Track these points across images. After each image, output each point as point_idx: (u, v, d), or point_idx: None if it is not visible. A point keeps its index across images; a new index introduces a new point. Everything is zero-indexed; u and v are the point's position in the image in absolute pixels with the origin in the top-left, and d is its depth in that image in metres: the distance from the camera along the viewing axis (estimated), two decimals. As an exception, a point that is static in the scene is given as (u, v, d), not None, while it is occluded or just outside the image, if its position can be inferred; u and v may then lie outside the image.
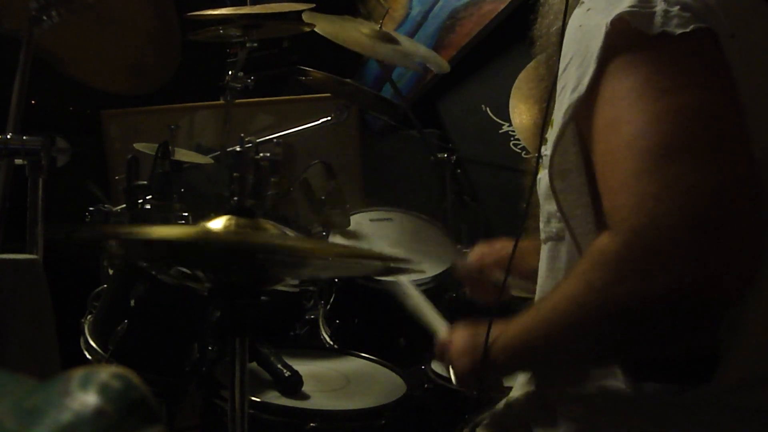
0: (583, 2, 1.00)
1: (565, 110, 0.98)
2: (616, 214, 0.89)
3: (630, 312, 0.88)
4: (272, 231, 1.07)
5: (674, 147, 0.87)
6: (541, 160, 1.08)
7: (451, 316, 2.05)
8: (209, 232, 1.02)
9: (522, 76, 2.13)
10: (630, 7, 0.93)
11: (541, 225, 1.10)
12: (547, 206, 1.08)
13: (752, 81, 0.94)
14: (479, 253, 1.44)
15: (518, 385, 1.20)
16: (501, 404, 1.20)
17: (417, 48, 2.56)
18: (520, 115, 2.11)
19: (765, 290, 0.95)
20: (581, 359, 1.01)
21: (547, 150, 1.04)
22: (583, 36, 0.97)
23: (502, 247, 1.39)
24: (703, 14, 0.92)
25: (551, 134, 1.03)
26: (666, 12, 0.91)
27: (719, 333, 0.94)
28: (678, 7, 0.92)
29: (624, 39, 0.93)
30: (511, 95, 2.14)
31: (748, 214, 0.86)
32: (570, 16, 1.02)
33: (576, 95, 0.96)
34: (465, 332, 1.14)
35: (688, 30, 0.90)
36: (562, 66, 1.00)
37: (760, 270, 0.89)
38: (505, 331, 1.04)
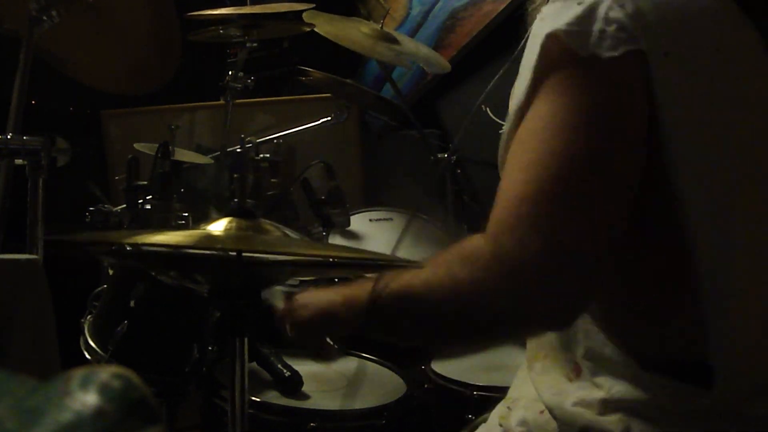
0: (542, 11, 1.02)
1: (511, 116, 1.03)
2: (494, 225, 0.96)
3: (478, 310, 0.97)
4: (273, 232, 1.07)
5: (560, 183, 0.94)
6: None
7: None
8: (207, 239, 1.02)
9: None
10: (567, 24, 0.95)
11: None
12: None
13: (687, 98, 0.96)
14: None
15: (516, 386, 1.20)
16: (497, 408, 1.20)
17: (418, 48, 2.56)
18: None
19: (749, 300, 0.96)
20: (417, 336, 1.09)
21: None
22: (530, 46, 1.00)
23: None
24: (637, 34, 0.93)
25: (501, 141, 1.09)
26: (602, 32, 0.93)
27: (708, 345, 0.96)
28: (614, 26, 0.93)
29: (557, 56, 0.96)
30: (511, 95, 2.14)
31: (594, 265, 0.94)
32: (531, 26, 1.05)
33: (516, 103, 1.01)
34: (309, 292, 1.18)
35: (617, 54, 0.93)
36: (519, 72, 1.04)
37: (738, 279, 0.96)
38: (352, 286, 1.10)
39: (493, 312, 0.97)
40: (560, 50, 0.95)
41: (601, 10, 0.94)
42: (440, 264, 0.99)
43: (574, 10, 0.95)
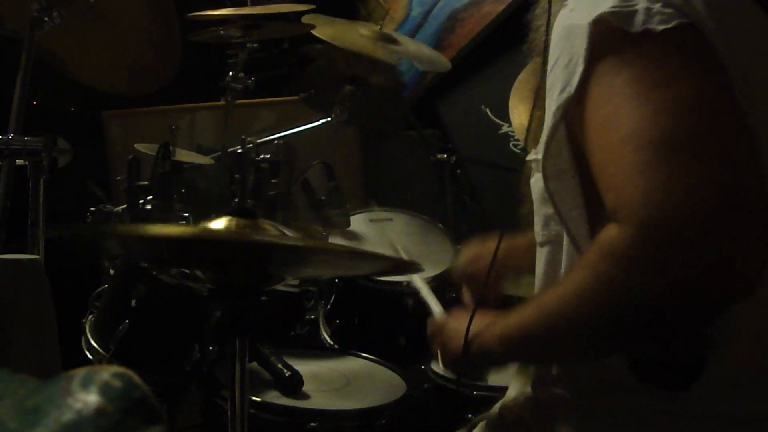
0: (566, 4, 1.00)
1: (554, 111, 0.98)
2: (623, 209, 0.88)
3: (641, 305, 0.87)
4: (273, 232, 1.08)
5: (677, 139, 0.87)
6: (533, 164, 1.08)
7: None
8: (208, 231, 1.03)
9: (521, 76, 2.13)
10: (612, 7, 0.93)
11: (538, 228, 1.09)
12: (543, 209, 1.07)
13: (739, 73, 0.94)
14: (471, 255, 1.42)
15: (514, 385, 1.20)
16: (497, 405, 1.20)
17: (419, 47, 2.56)
18: (520, 115, 2.11)
19: (759, 292, 0.96)
20: (582, 352, 1.00)
21: (538, 153, 1.04)
22: (568, 37, 0.97)
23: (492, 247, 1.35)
24: (685, 10, 0.92)
25: (542, 136, 1.03)
26: (648, 9, 0.91)
27: (710, 336, 0.95)
28: (660, 4, 0.92)
29: (608, 39, 0.93)
30: (511, 96, 2.14)
31: (756, 203, 0.86)
32: (554, 18, 1.02)
33: (565, 95, 0.96)
34: (461, 317, 1.14)
35: (670, 26, 0.91)
36: (549, 67, 1.00)
37: None
38: (503, 320, 1.04)
39: (662, 297, 0.85)
40: (611, 32, 0.92)
41: None
42: (584, 267, 0.92)
43: None
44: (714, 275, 0.83)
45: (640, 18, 0.91)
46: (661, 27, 0.90)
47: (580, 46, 0.94)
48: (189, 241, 1.01)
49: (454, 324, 1.14)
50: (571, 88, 0.95)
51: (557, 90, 0.97)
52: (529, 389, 1.13)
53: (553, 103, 0.98)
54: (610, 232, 0.88)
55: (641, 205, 0.86)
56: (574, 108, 0.96)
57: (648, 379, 0.99)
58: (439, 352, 1.17)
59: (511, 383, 1.22)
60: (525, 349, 1.04)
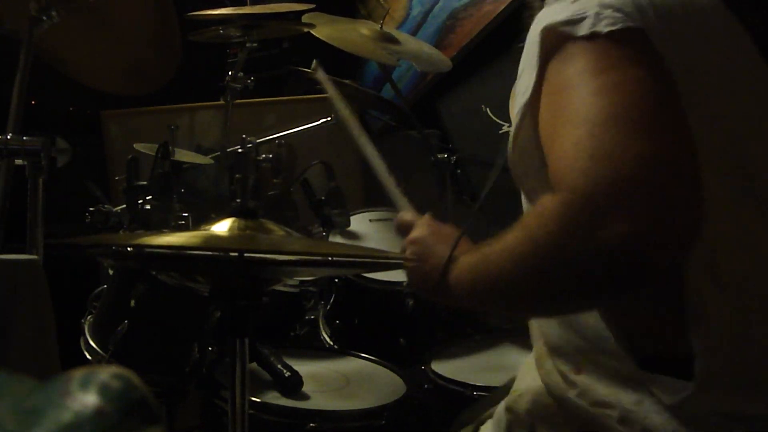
0: (537, 17, 1.04)
1: (516, 115, 1.03)
2: (556, 177, 0.92)
3: (563, 266, 0.90)
4: (277, 232, 1.08)
5: (612, 116, 0.91)
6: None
7: (451, 316, 2.06)
8: (211, 239, 1.02)
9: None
10: (564, 17, 0.97)
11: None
12: (527, 207, 1.12)
13: (684, 75, 0.97)
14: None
15: (520, 382, 1.20)
16: (503, 403, 1.20)
17: (419, 46, 2.56)
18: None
19: (733, 290, 0.96)
20: (515, 306, 1.06)
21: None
22: (529, 46, 1.02)
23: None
24: (634, 16, 0.95)
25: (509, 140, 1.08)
26: (597, 14, 0.96)
27: (690, 335, 0.96)
28: (610, 10, 0.96)
29: (556, 43, 0.98)
30: (511, 95, 2.14)
31: (684, 177, 0.89)
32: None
33: (523, 100, 1.01)
34: (431, 230, 1.18)
35: (616, 28, 0.94)
36: (518, 76, 1.05)
37: (721, 265, 0.95)
38: (461, 258, 1.07)
39: (582, 259, 0.89)
40: (559, 37, 0.97)
41: (595, 1, 0.97)
42: (520, 228, 0.96)
43: (569, 9, 0.98)
44: (628, 242, 0.85)
45: (588, 22, 0.95)
46: (608, 29, 0.94)
47: (534, 53, 1.00)
48: (191, 251, 1.01)
49: (433, 240, 1.16)
50: (528, 92, 1.00)
51: (520, 95, 1.03)
52: (537, 385, 1.14)
53: (517, 107, 1.04)
54: (545, 199, 0.93)
55: (569, 172, 0.90)
56: (533, 111, 1.01)
57: (657, 372, 1.00)
58: (410, 263, 1.18)
59: (518, 378, 1.22)
60: (472, 293, 1.06)
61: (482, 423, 1.23)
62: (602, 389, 1.04)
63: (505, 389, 1.25)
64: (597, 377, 1.05)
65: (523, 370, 1.22)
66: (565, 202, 0.89)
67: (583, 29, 0.95)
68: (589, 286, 0.91)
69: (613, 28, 0.94)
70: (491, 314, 1.13)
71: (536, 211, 0.95)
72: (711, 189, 0.96)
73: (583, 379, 1.06)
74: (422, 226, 1.20)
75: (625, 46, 0.95)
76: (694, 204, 0.89)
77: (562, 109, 0.96)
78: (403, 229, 1.22)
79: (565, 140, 0.92)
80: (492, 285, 1.01)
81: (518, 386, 1.21)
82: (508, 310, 1.09)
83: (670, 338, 1.01)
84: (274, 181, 2.33)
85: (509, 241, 0.96)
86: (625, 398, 1.01)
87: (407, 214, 1.26)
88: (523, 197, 1.13)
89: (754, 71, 1.08)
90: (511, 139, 1.06)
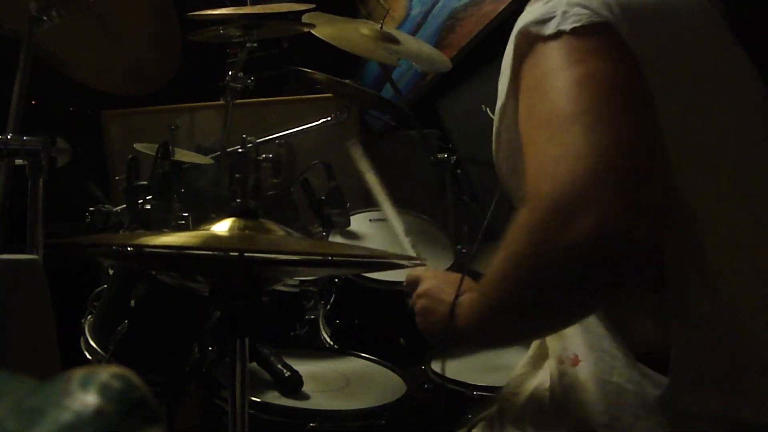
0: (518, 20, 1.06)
1: (495, 115, 1.06)
2: (528, 188, 0.92)
3: (548, 273, 0.90)
4: (277, 232, 1.08)
5: (575, 113, 0.90)
6: None
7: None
8: (211, 240, 1.02)
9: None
10: (534, 17, 0.99)
11: None
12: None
13: (652, 68, 0.97)
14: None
15: (514, 382, 1.20)
16: (497, 405, 1.20)
17: (419, 46, 2.56)
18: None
19: (719, 287, 0.97)
20: (517, 330, 1.05)
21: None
22: (508, 48, 1.04)
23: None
24: (601, 12, 0.96)
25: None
26: (564, 13, 0.97)
27: (667, 333, 0.97)
28: (577, 8, 0.97)
29: (527, 45, 0.99)
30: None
31: (645, 172, 0.87)
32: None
33: (500, 103, 1.04)
34: (436, 281, 1.20)
35: (580, 24, 0.95)
36: (500, 78, 1.07)
37: (699, 262, 0.95)
38: (464, 302, 1.09)
39: (552, 266, 0.88)
40: (530, 38, 0.99)
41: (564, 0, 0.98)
42: (500, 248, 0.96)
43: (540, 9, 0.99)
44: (595, 236, 0.84)
45: (555, 21, 0.97)
46: (572, 26, 0.95)
47: (509, 56, 1.02)
48: (191, 251, 1.01)
49: (438, 289, 1.18)
50: (503, 95, 1.03)
51: (500, 100, 1.06)
52: (531, 385, 1.14)
53: (496, 112, 1.07)
54: (520, 210, 0.93)
55: (536, 180, 0.90)
56: (507, 111, 1.03)
57: (651, 366, 1.00)
58: (418, 313, 1.21)
59: (512, 379, 1.22)
60: (482, 329, 1.07)
61: (474, 425, 1.23)
62: (594, 385, 1.04)
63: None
64: (592, 375, 1.05)
65: (517, 371, 1.22)
66: (532, 210, 0.89)
67: (550, 28, 0.97)
68: (573, 287, 0.90)
69: (577, 24, 0.95)
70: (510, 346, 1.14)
71: (512, 227, 0.94)
72: (697, 185, 0.98)
73: (578, 370, 1.06)
74: (428, 279, 1.23)
75: (590, 39, 0.96)
76: (659, 192, 0.88)
77: (533, 108, 0.97)
78: (412, 285, 1.25)
79: (535, 146, 0.94)
80: (494, 314, 1.02)
81: (511, 386, 1.21)
82: (517, 336, 1.07)
83: (654, 332, 1.01)
84: (274, 181, 2.33)
85: (495, 264, 0.97)
86: (616, 398, 1.01)
87: (416, 271, 1.28)
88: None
89: (735, 68, 1.08)
90: (494, 140, 1.08)
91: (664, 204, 0.90)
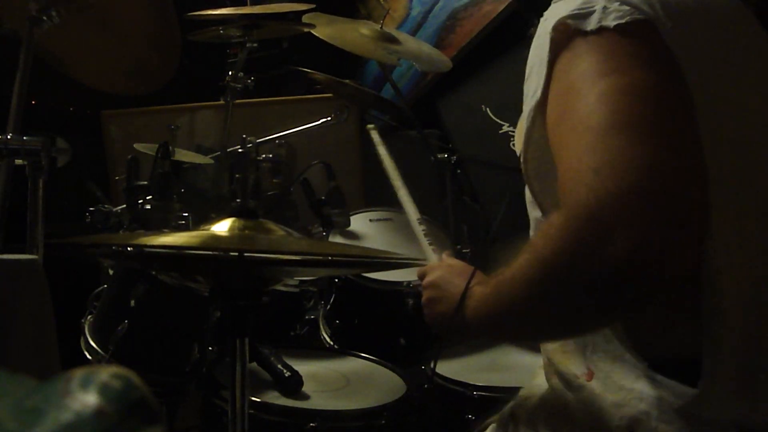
0: (544, 15, 1.04)
1: (527, 115, 1.02)
2: (563, 192, 0.91)
3: (579, 285, 0.89)
4: (277, 232, 1.08)
5: (616, 124, 0.89)
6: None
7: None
8: (211, 239, 1.02)
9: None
10: (571, 11, 0.97)
11: (531, 233, 1.12)
12: (533, 213, 1.11)
13: (697, 71, 0.96)
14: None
15: (528, 385, 1.20)
16: (508, 407, 1.20)
17: (419, 46, 2.56)
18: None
19: (751, 292, 0.96)
20: (533, 332, 1.04)
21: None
22: (538, 45, 1.01)
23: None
24: (642, 8, 0.95)
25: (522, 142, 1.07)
26: (604, 8, 0.95)
27: (700, 337, 0.96)
28: (617, 3, 0.95)
29: (565, 39, 0.97)
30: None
31: (687, 189, 0.87)
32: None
33: (534, 100, 1.00)
34: (454, 272, 1.18)
35: (623, 21, 0.94)
36: (526, 77, 1.05)
37: (730, 268, 0.93)
38: (475, 293, 1.07)
39: (587, 277, 0.87)
40: (568, 32, 0.96)
41: None
42: (527, 250, 0.94)
43: (576, 2, 0.97)
44: (634, 255, 0.84)
45: (596, 17, 0.95)
46: (615, 22, 0.94)
47: (544, 51, 0.98)
48: (191, 251, 1.01)
49: (445, 280, 1.17)
50: (539, 91, 0.99)
51: (530, 96, 1.02)
52: (544, 389, 1.13)
53: (527, 109, 1.03)
54: (551, 216, 0.92)
55: (574, 186, 0.89)
56: (543, 111, 0.99)
57: (669, 376, 0.99)
58: (425, 304, 1.20)
59: (527, 382, 1.22)
60: (490, 325, 1.07)
61: (487, 427, 1.23)
62: (611, 395, 1.03)
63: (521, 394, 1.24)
64: (607, 382, 1.04)
65: (532, 374, 1.22)
66: (569, 218, 0.88)
67: (591, 23, 0.94)
68: (602, 302, 0.89)
69: (621, 21, 0.93)
70: (517, 345, 1.12)
71: (543, 232, 0.94)
72: (731, 190, 0.96)
73: (594, 385, 1.05)
74: (437, 269, 1.22)
75: (633, 42, 0.94)
76: (697, 210, 0.88)
77: (568, 113, 0.94)
78: (422, 276, 1.25)
79: (571, 152, 0.91)
80: (508, 313, 1.01)
81: (526, 389, 1.20)
82: (529, 337, 1.06)
83: (682, 339, 1.00)
84: (274, 181, 2.33)
85: (519, 265, 0.95)
86: (635, 404, 1.01)
87: (429, 263, 1.28)
88: (528, 196, 1.11)
89: None
90: (524, 139, 1.05)
91: (702, 219, 0.89)
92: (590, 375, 1.06)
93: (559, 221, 0.90)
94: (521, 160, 1.06)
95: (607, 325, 1.00)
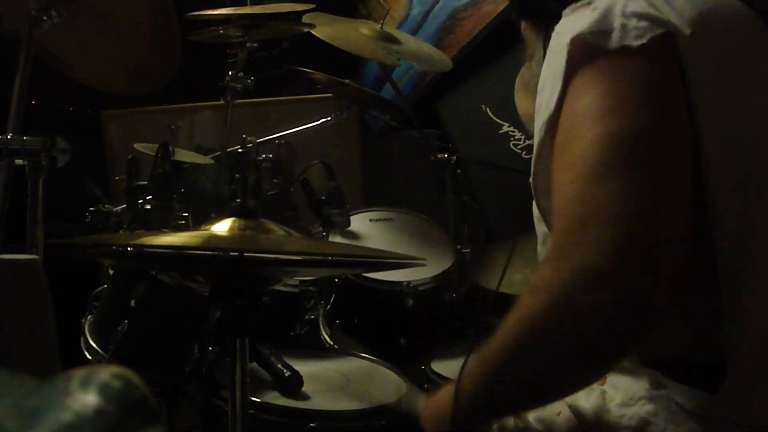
0: (556, 28, 1.03)
1: (539, 129, 1.01)
2: (553, 239, 0.91)
3: (567, 338, 0.89)
4: (277, 232, 1.08)
5: (606, 171, 0.89)
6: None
7: (451, 316, 2.05)
8: (211, 239, 1.02)
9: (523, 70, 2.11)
10: (589, 25, 0.96)
11: (539, 247, 1.11)
12: (540, 227, 1.10)
13: (710, 79, 0.97)
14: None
15: None
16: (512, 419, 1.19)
17: (420, 46, 2.56)
18: (520, 100, 2.08)
19: (765, 293, 0.96)
20: (532, 391, 0.98)
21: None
22: (551, 59, 1.01)
23: None
24: (659, 19, 0.95)
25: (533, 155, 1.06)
26: (623, 26, 0.94)
27: (722, 343, 0.96)
28: (635, 19, 0.95)
29: (585, 56, 0.96)
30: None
31: (671, 242, 0.88)
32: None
33: (548, 113, 0.99)
34: (431, 401, 1.13)
35: (645, 41, 0.93)
36: (539, 89, 1.04)
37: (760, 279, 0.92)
38: (461, 380, 1.02)
39: (571, 329, 0.88)
40: (587, 48, 0.96)
41: (617, 9, 0.96)
42: (513, 311, 0.94)
43: (592, 15, 0.97)
44: (618, 310, 0.86)
45: (616, 36, 0.94)
46: (637, 43, 0.93)
47: (560, 64, 0.97)
48: (191, 251, 1.01)
49: (428, 409, 1.14)
50: (552, 104, 0.98)
51: (543, 108, 1.01)
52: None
53: (539, 121, 1.01)
54: (540, 268, 0.92)
55: (563, 236, 0.89)
56: (555, 126, 0.98)
57: (683, 381, 1.00)
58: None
59: None
60: (493, 399, 1.01)
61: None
62: (621, 398, 1.03)
63: None
64: (617, 386, 1.04)
65: None
66: (555, 272, 0.89)
67: (612, 42, 0.94)
68: (589, 352, 0.90)
69: (642, 41, 0.93)
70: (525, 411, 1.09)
71: (531, 288, 0.93)
72: (742, 195, 0.96)
73: (603, 388, 1.05)
74: (422, 412, 1.17)
75: (645, 67, 0.94)
76: (682, 258, 0.88)
77: (568, 150, 0.94)
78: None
79: (563, 196, 0.92)
80: (503, 379, 0.97)
81: None
82: (533, 399, 1.00)
83: (700, 343, 1.00)
84: (274, 181, 2.33)
85: (505, 327, 0.94)
86: (644, 407, 1.01)
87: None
88: (535, 211, 1.10)
89: None
90: (535, 151, 1.04)
91: (686, 264, 0.89)
92: (603, 379, 1.06)
93: (545, 274, 0.90)
94: (531, 172, 1.06)
95: (604, 372, 0.99)
